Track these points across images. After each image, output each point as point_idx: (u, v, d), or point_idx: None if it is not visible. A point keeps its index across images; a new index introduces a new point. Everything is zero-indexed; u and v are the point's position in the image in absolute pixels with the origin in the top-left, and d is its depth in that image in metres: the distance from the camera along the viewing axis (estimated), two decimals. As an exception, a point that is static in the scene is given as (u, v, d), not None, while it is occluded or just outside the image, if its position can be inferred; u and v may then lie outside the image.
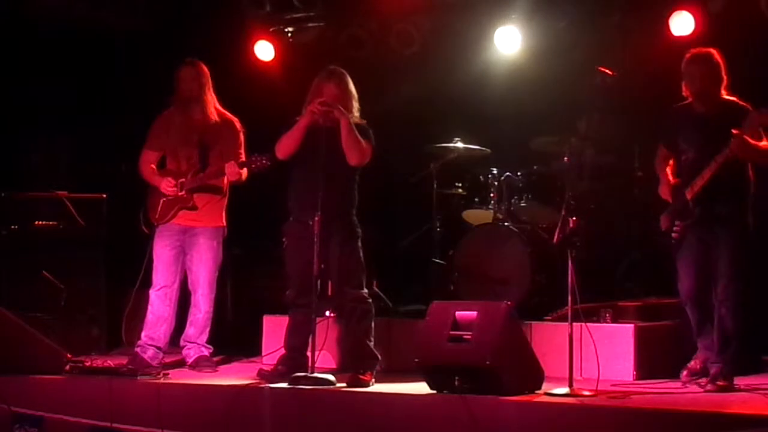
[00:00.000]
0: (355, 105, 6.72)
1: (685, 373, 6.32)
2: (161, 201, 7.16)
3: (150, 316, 7.17)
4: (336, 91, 6.64)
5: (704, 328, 6.28)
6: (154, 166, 7.27)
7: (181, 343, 7.25)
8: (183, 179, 7.12)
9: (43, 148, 9.21)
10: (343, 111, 6.54)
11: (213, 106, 7.22)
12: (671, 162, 6.45)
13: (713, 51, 6.22)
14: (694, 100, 6.20)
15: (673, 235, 6.23)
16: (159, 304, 7.15)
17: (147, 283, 7.19)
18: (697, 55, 6.23)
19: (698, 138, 6.17)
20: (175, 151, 7.22)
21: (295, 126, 6.63)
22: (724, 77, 6.14)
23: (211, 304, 7.20)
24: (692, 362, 6.35)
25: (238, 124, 7.26)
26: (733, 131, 5.91)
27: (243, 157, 7.15)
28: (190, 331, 7.21)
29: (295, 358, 6.57)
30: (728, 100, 6.15)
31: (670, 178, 6.38)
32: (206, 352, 7.21)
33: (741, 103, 6.14)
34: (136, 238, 7.30)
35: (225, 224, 7.26)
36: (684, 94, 6.24)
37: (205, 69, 7.24)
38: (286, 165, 6.74)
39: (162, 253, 7.15)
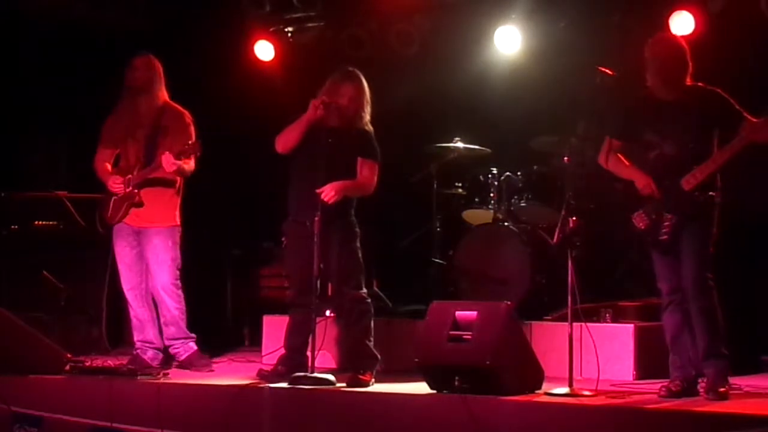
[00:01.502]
0: (368, 110, 6.66)
1: (664, 392, 5.81)
2: (111, 200, 7.11)
3: (134, 320, 7.17)
4: (353, 93, 6.59)
5: (680, 339, 5.92)
6: (108, 164, 7.18)
7: (167, 343, 7.19)
8: (130, 176, 7.05)
9: (43, 148, 9.21)
10: (338, 190, 6.44)
11: (163, 100, 7.13)
12: (620, 156, 6.12)
13: (677, 37, 6.09)
14: (660, 86, 5.95)
15: (663, 237, 5.87)
16: (136, 307, 7.13)
17: (114, 286, 7.19)
18: (662, 38, 6.13)
19: (675, 129, 5.88)
20: (125, 147, 7.16)
21: (298, 120, 6.61)
22: (690, 63, 5.93)
23: (180, 299, 7.12)
24: (670, 384, 5.86)
25: (188, 117, 7.14)
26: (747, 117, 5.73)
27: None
28: (170, 330, 7.15)
29: (295, 358, 6.56)
30: (695, 85, 5.92)
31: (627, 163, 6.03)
32: (194, 346, 7.16)
33: (708, 87, 5.90)
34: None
35: (179, 223, 7.15)
36: (648, 83, 6.00)
37: (158, 64, 7.16)
38: (285, 164, 6.73)
39: (124, 254, 7.12)
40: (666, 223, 5.89)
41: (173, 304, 7.09)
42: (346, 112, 6.59)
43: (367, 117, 6.67)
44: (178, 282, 7.12)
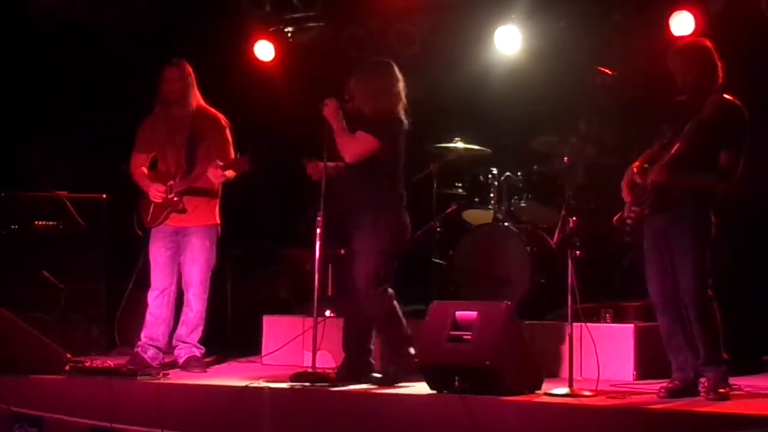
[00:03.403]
0: (385, 96, 6.48)
1: (663, 393, 5.78)
2: (152, 205, 7.14)
3: (148, 317, 7.16)
4: (353, 81, 6.55)
5: (674, 340, 5.90)
6: (145, 168, 7.23)
7: (174, 342, 7.22)
8: (172, 182, 7.08)
9: (43, 148, 9.21)
10: (330, 111, 6.43)
11: (197, 104, 7.18)
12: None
13: (699, 40, 6.01)
14: (686, 92, 5.92)
15: (628, 221, 5.87)
16: (156, 307, 7.13)
17: (140, 284, 7.18)
18: (680, 47, 6.08)
19: (680, 129, 5.82)
20: (163, 152, 7.20)
21: None
22: (716, 64, 5.85)
23: (203, 303, 7.16)
24: (669, 384, 5.84)
25: (223, 120, 7.19)
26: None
27: (231, 153, 7.10)
28: (181, 330, 7.17)
29: (354, 360, 6.52)
30: (719, 96, 5.80)
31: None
32: (197, 353, 7.17)
33: (733, 103, 5.82)
34: (136, 238, 7.30)
35: (218, 222, 7.21)
36: (680, 87, 5.96)
37: (189, 69, 7.20)
38: (285, 164, 6.72)
39: (158, 255, 7.13)
40: (634, 210, 5.88)
41: (197, 307, 7.13)
42: (355, 101, 6.53)
43: (386, 103, 6.49)
44: (207, 284, 7.15)
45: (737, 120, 5.82)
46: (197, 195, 7.11)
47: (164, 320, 7.16)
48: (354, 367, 6.45)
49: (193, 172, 7.06)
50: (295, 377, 6.29)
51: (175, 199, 7.08)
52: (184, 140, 7.11)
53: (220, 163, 6.90)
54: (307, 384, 6.20)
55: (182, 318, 7.19)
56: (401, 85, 6.55)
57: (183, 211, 7.09)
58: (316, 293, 6.40)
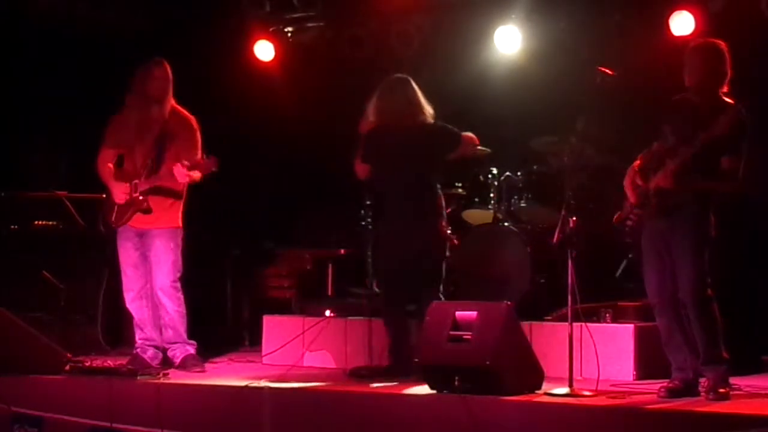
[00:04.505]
0: (418, 109, 6.78)
1: (663, 393, 5.77)
2: (116, 204, 7.10)
3: (135, 320, 7.17)
4: (376, 104, 6.74)
5: (673, 340, 5.91)
6: (111, 165, 7.15)
7: (165, 346, 7.18)
8: (137, 181, 7.03)
9: (43, 148, 9.22)
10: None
11: (171, 105, 7.13)
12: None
13: (718, 43, 5.98)
14: (691, 91, 5.93)
15: (629, 222, 5.94)
16: (137, 310, 7.13)
17: (114, 284, 7.18)
18: (699, 45, 6.07)
19: (685, 129, 5.83)
20: (132, 150, 7.14)
21: None
22: (727, 71, 5.88)
23: (180, 302, 7.10)
24: (669, 384, 5.84)
25: (194, 123, 7.14)
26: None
27: (199, 155, 7.03)
28: (168, 333, 7.14)
29: (399, 361, 6.59)
30: (725, 100, 5.86)
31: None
32: (191, 350, 7.16)
33: (736, 107, 5.80)
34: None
35: (181, 225, 7.14)
36: (686, 84, 5.97)
37: (170, 69, 7.16)
38: (286, 164, 6.73)
39: (127, 255, 7.12)
40: (635, 212, 5.92)
41: (173, 307, 7.08)
42: (379, 120, 6.71)
43: (420, 111, 6.83)
44: (178, 284, 7.10)
45: (739, 126, 5.81)
46: (163, 195, 7.04)
47: (151, 321, 7.14)
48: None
49: (159, 171, 7.00)
50: (355, 371, 6.53)
51: (140, 198, 7.01)
52: (154, 140, 7.04)
53: (186, 163, 6.84)
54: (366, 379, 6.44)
55: (162, 322, 7.14)
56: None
57: (148, 210, 7.02)
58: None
